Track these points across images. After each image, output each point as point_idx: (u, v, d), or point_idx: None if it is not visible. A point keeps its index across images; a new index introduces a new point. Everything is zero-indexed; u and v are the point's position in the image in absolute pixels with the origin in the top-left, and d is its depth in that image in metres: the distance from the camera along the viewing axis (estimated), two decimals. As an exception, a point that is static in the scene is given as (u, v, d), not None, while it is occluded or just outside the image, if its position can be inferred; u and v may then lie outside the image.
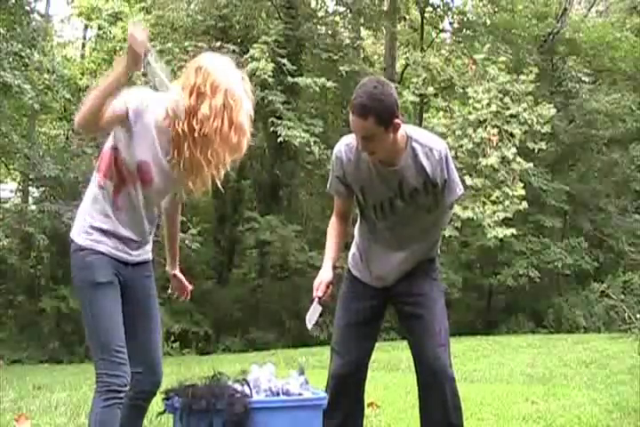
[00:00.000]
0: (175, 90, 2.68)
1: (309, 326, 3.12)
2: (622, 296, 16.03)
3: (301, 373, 3.01)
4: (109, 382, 2.66)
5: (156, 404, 3.06)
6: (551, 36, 19.66)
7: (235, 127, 2.74)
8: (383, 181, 3.01)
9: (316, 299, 3.08)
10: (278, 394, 2.88)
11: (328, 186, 3.19)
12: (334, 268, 3.16)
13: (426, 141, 2.97)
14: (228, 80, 2.72)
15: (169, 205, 3.08)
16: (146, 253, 2.96)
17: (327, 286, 3.12)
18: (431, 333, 3.08)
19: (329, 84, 16.01)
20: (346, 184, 3.11)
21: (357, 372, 3.27)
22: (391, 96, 2.84)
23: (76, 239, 2.77)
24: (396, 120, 2.83)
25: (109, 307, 2.73)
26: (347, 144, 3.07)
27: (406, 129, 2.96)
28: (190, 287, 3.33)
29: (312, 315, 3.10)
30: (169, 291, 3.35)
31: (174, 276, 3.31)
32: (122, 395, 2.67)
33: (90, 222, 2.77)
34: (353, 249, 3.38)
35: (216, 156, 2.81)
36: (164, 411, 2.92)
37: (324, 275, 3.12)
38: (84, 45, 21.12)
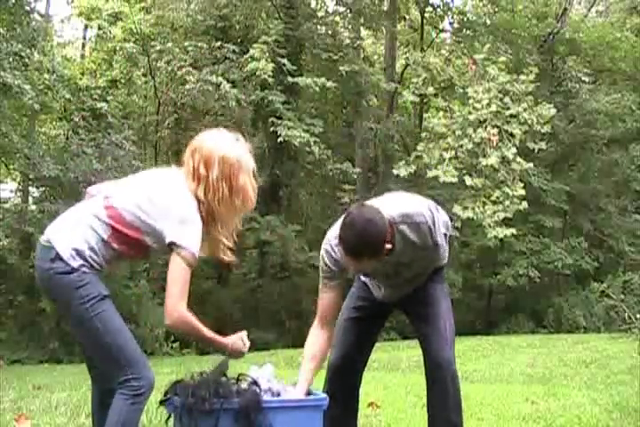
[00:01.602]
0: None
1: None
2: (622, 296, 16.03)
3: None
4: (137, 385, 2.66)
5: (155, 404, 3.05)
6: (551, 36, 19.66)
7: (235, 192, 2.78)
8: (381, 268, 3.04)
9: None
10: (279, 395, 2.88)
11: (322, 281, 3.11)
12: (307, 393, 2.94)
13: (409, 218, 2.95)
14: (219, 148, 2.79)
15: None
16: None
17: None
18: (437, 329, 3.13)
19: (329, 84, 16.02)
20: (338, 275, 3.08)
21: (352, 365, 3.33)
22: (380, 233, 2.78)
23: (71, 262, 2.66)
24: (387, 245, 2.82)
25: (119, 319, 2.75)
26: (334, 252, 3.02)
27: (388, 213, 2.90)
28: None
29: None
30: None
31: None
32: (146, 397, 2.70)
33: (89, 254, 2.71)
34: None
35: (226, 225, 2.86)
36: (169, 416, 2.91)
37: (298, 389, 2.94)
38: (83, 45, 21.13)
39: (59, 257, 2.65)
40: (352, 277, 3.38)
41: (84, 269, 2.67)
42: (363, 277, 3.33)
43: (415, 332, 3.33)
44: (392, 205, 3.03)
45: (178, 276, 2.68)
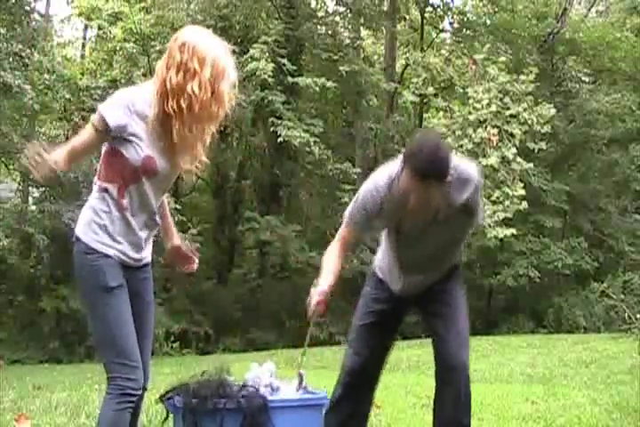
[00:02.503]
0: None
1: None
2: (622, 296, 16.01)
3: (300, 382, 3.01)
4: (124, 385, 2.62)
5: (155, 404, 3.05)
6: (551, 36, 19.66)
7: (216, 97, 2.76)
8: (419, 214, 2.97)
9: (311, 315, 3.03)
10: (278, 389, 2.88)
11: (349, 216, 3.16)
12: (331, 287, 3.08)
13: (462, 169, 2.95)
14: (214, 52, 2.79)
15: None
16: (147, 255, 2.87)
17: (322, 305, 3.08)
18: (454, 331, 3.11)
19: (329, 84, 16.02)
20: (371, 219, 3.09)
21: (372, 370, 3.31)
22: (449, 156, 2.82)
23: (84, 238, 2.70)
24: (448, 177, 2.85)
25: (124, 312, 2.68)
26: (385, 183, 3.01)
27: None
28: (195, 256, 3.03)
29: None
30: (176, 268, 3.06)
31: (177, 250, 3.02)
32: (134, 399, 2.63)
33: (97, 221, 2.70)
34: (380, 254, 3.37)
35: (201, 129, 2.78)
36: (167, 417, 2.91)
37: (321, 292, 3.06)
38: (83, 45, 21.13)
39: (76, 237, 2.72)
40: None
41: (99, 248, 2.67)
42: (392, 241, 3.19)
43: (429, 330, 3.30)
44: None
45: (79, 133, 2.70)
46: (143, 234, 2.79)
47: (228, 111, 2.86)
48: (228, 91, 2.80)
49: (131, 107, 2.68)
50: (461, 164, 2.97)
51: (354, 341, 3.30)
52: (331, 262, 3.15)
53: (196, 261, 3.03)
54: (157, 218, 2.86)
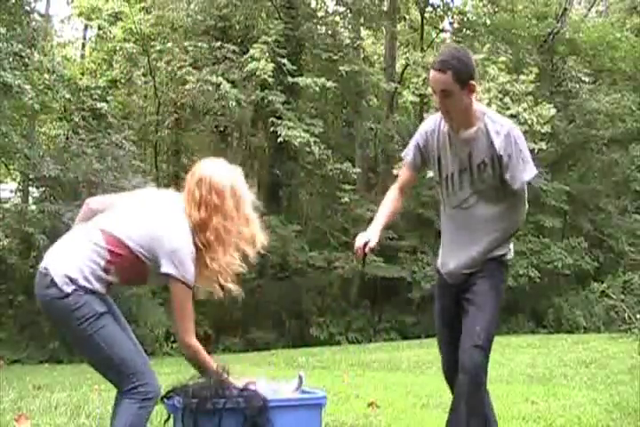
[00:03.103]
0: None
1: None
2: (622, 296, 16.03)
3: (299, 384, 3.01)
4: (145, 391, 2.78)
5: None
6: (551, 36, 19.66)
7: (243, 222, 2.98)
8: (455, 150, 3.13)
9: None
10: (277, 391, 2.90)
11: (404, 153, 3.37)
12: (379, 232, 3.16)
13: (498, 119, 3.10)
14: (230, 180, 2.89)
15: None
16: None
17: (364, 250, 3.13)
18: (471, 331, 3.08)
19: (329, 84, 16.02)
20: (421, 152, 3.26)
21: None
22: (469, 59, 3.03)
23: (65, 288, 2.73)
24: (472, 82, 3.00)
25: (119, 332, 2.83)
26: (434, 118, 3.25)
27: (481, 106, 3.15)
28: None
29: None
30: None
31: None
32: (154, 402, 2.80)
33: (83, 284, 2.76)
34: (440, 247, 3.42)
35: (237, 249, 3.01)
36: (169, 418, 2.91)
37: (368, 236, 3.12)
38: (83, 45, 21.12)
39: (54, 284, 2.73)
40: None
41: (78, 293, 2.73)
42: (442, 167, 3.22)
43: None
44: (487, 108, 3.25)
45: (181, 308, 2.90)
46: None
47: (259, 230, 3.12)
48: (251, 212, 3.02)
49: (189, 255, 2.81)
50: (500, 116, 3.15)
51: (438, 342, 3.39)
52: (384, 206, 3.30)
53: None
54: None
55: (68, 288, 2.72)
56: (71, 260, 2.77)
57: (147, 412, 2.79)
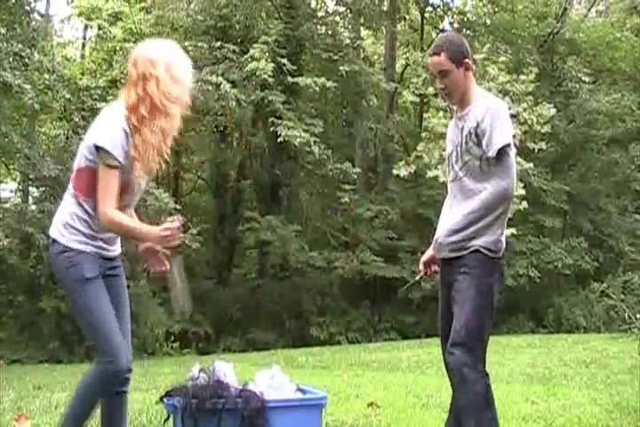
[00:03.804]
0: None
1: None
2: (622, 296, 16.03)
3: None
4: (108, 368, 2.86)
5: (154, 404, 3.05)
6: (551, 36, 19.66)
7: (176, 82, 3.13)
8: (455, 128, 3.35)
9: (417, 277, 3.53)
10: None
11: None
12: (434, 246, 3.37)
13: (490, 98, 3.33)
14: (160, 50, 3.07)
15: None
16: (118, 248, 3.14)
17: (425, 267, 3.49)
18: (452, 330, 3.11)
19: (329, 84, 16.02)
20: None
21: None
22: (460, 40, 3.32)
23: (61, 239, 2.94)
24: (467, 60, 3.25)
25: (101, 298, 2.91)
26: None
27: (481, 90, 3.40)
28: (166, 255, 3.20)
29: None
30: (146, 268, 3.29)
31: (147, 249, 3.18)
32: (114, 380, 2.90)
33: (73, 224, 2.94)
34: None
35: (162, 130, 3.05)
36: (168, 417, 2.91)
37: (425, 254, 3.49)
38: (83, 45, 21.13)
39: (53, 239, 2.97)
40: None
41: (75, 246, 2.91)
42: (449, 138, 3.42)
43: None
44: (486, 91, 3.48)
45: (103, 188, 2.89)
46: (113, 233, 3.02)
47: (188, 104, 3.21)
48: (183, 75, 3.16)
49: (123, 139, 2.92)
50: (490, 96, 3.37)
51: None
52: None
53: (167, 263, 3.20)
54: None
55: (64, 239, 2.92)
56: (58, 213, 3.00)
57: (103, 387, 2.89)
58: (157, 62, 3.00)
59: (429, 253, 3.45)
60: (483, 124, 3.15)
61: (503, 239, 3.27)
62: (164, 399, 2.93)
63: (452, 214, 3.28)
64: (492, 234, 3.18)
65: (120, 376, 2.88)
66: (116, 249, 3.11)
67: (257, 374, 3.08)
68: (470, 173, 3.22)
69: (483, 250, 3.16)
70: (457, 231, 3.19)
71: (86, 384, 2.92)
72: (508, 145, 3.15)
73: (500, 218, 3.19)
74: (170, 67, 3.05)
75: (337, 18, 19.88)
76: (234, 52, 16.09)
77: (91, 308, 2.88)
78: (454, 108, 3.39)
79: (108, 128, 2.92)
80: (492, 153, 3.13)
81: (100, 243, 2.99)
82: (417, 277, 3.49)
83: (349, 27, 19.80)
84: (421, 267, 3.50)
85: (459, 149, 3.27)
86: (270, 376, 2.99)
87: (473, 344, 3.06)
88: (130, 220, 2.96)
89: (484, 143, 3.15)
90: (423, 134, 16.98)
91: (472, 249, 3.16)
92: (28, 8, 13.75)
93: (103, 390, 2.93)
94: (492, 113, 3.16)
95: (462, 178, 3.25)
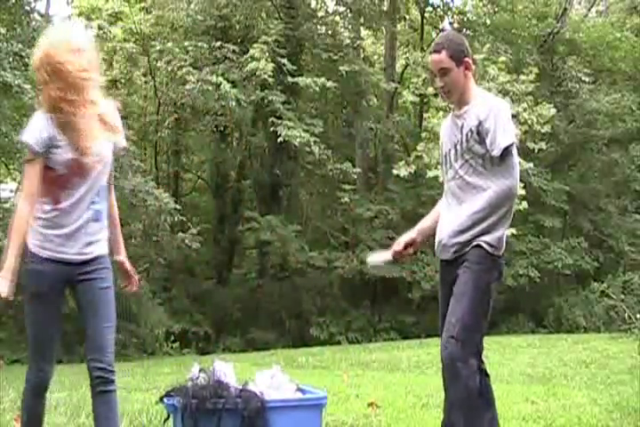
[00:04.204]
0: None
1: (368, 262, 3.46)
2: (622, 296, 16.03)
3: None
4: (27, 376, 3.19)
5: (154, 404, 3.05)
6: (551, 36, 19.65)
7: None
8: (453, 126, 3.31)
9: (392, 251, 3.42)
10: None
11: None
12: (418, 233, 3.45)
13: (490, 98, 3.34)
14: (50, 36, 3.01)
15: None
16: (95, 249, 3.06)
17: (404, 246, 3.42)
18: (447, 324, 3.10)
19: (329, 84, 16.01)
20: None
21: None
22: (461, 39, 3.34)
23: (28, 245, 2.99)
24: (467, 59, 3.25)
25: (38, 313, 3.05)
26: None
27: (481, 89, 3.41)
28: (136, 278, 3.28)
29: (378, 256, 3.42)
30: (121, 285, 3.30)
31: (121, 265, 3.24)
32: (29, 388, 3.20)
33: (35, 228, 2.98)
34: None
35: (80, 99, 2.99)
36: (168, 417, 2.91)
37: (405, 235, 3.46)
38: (84, 45, 21.10)
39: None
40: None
41: (34, 249, 2.97)
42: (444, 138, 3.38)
43: None
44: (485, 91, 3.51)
45: (23, 172, 3.00)
46: (81, 227, 3.00)
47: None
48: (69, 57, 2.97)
49: (42, 129, 2.94)
50: (490, 95, 3.38)
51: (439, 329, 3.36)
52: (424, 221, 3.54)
53: (137, 283, 3.27)
54: (96, 212, 3.04)
55: (31, 244, 2.99)
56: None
57: (26, 390, 3.16)
58: (45, 50, 2.96)
59: (411, 235, 3.44)
60: (486, 124, 3.14)
61: (505, 238, 3.25)
62: (164, 399, 2.93)
63: (453, 214, 3.24)
64: (495, 232, 3.18)
65: (33, 385, 3.14)
66: (90, 252, 3.03)
67: (257, 374, 3.09)
68: (472, 172, 3.20)
69: (485, 245, 3.15)
70: (462, 232, 3.17)
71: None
72: (512, 144, 3.15)
73: (504, 217, 3.19)
74: (52, 49, 2.96)
75: (337, 18, 19.88)
76: (234, 52, 16.09)
77: (31, 322, 3.07)
78: (452, 106, 3.39)
79: (30, 124, 3.01)
80: (496, 152, 3.12)
81: (59, 244, 2.98)
82: (389, 257, 3.41)
83: (349, 27, 19.79)
84: (398, 247, 3.41)
85: (459, 147, 3.24)
86: (270, 376, 2.99)
87: (467, 339, 3.04)
88: (21, 229, 2.94)
89: (487, 142, 3.14)
90: (423, 134, 16.99)
91: (474, 244, 3.14)
92: (28, 8, 13.74)
93: (25, 392, 3.14)
94: (494, 112, 3.15)
95: (463, 176, 3.22)
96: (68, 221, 2.96)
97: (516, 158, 3.20)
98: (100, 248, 3.06)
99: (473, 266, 3.13)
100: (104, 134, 3.07)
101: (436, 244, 3.31)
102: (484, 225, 3.14)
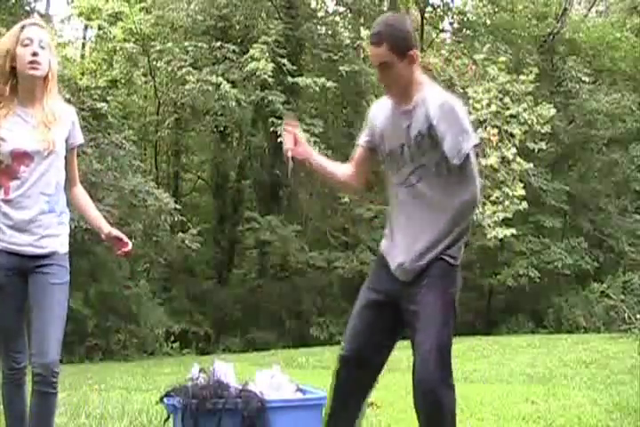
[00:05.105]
0: None
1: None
2: (622, 296, 16.02)
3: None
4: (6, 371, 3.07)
5: (154, 405, 3.06)
6: (551, 36, 19.65)
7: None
8: (397, 124, 2.95)
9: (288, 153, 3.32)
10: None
11: (358, 142, 3.21)
12: (321, 164, 3.31)
13: (440, 92, 2.95)
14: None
15: (67, 177, 3.18)
16: (49, 244, 3.04)
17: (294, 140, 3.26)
18: (420, 349, 2.92)
19: (329, 84, 16.02)
20: (371, 136, 3.10)
21: (363, 361, 3.10)
22: (404, 25, 2.91)
23: None
24: (411, 51, 2.87)
25: (3, 311, 3.00)
26: (383, 99, 3.12)
27: (424, 78, 2.99)
28: (127, 240, 3.23)
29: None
30: (117, 252, 3.27)
31: (109, 235, 3.21)
32: (15, 374, 3.06)
33: None
34: (386, 230, 3.12)
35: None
36: (168, 417, 2.91)
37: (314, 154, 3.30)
38: (83, 45, 21.14)
39: None
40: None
41: None
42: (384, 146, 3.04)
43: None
44: (433, 83, 3.07)
45: None
46: (33, 219, 2.99)
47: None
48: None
49: None
50: (441, 89, 3.00)
51: (348, 324, 3.12)
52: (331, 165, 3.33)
53: (129, 242, 3.22)
54: (49, 203, 3.03)
55: None
56: None
57: (3, 385, 3.06)
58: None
59: (316, 158, 3.33)
60: (440, 126, 2.80)
61: (462, 247, 3.01)
62: (165, 399, 2.93)
63: (411, 237, 2.90)
64: (457, 243, 2.93)
65: (5, 376, 3.05)
66: (46, 246, 3.01)
67: (257, 374, 3.08)
68: (425, 180, 2.88)
69: (447, 258, 2.89)
70: (426, 253, 2.87)
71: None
72: (474, 146, 2.87)
73: (466, 227, 2.94)
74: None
75: (337, 18, 19.88)
76: (234, 52, 16.09)
77: None
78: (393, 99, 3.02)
79: None
80: (457, 161, 2.79)
81: (12, 236, 2.96)
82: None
83: (349, 27, 19.79)
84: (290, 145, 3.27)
85: (406, 150, 2.90)
86: (270, 376, 2.99)
87: (446, 362, 2.90)
88: None
89: (445, 148, 2.80)
90: (423, 134, 16.96)
91: (436, 257, 2.88)
92: (28, 8, 13.77)
93: (3, 387, 3.07)
94: (446, 111, 2.81)
95: (415, 185, 2.90)
96: (17, 213, 2.95)
97: (474, 161, 2.87)
98: (58, 244, 3.05)
99: (437, 281, 2.87)
100: (53, 126, 3.03)
101: (394, 265, 2.94)
102: (447, 242, 2.88)
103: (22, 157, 2.95)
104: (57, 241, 3.04)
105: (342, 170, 3.22)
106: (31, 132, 2.97)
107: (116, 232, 3.20)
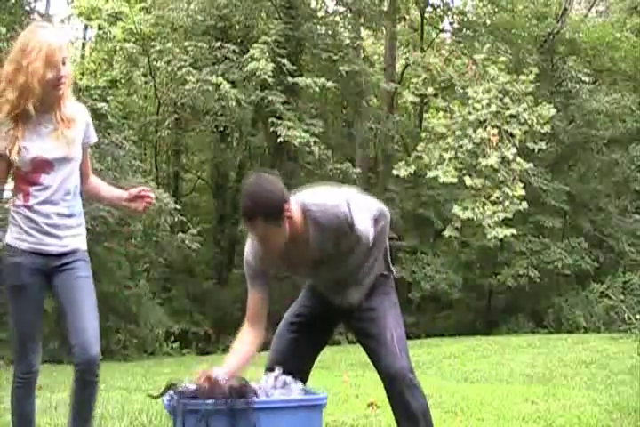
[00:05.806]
0: None
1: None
2: (622, 296, 16.04)
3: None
4: (15, 370, 3.11)
5: (154, 405, 3.06)
6: (551, 36, 19.65)
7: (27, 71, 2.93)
8: (299, 254, 3.03)
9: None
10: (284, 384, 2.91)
11: (248, 286, 3.37)
12: (232, 376, 2.89)
13: (324, 208, 2.91)
14: (22, 37, 2.97)
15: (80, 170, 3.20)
16: (71, 242, 3.11)
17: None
18: (382, 342, 3.04)
19: (329, 84, 16.01)
20: (263, 275, 3.28)
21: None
22: (271, 192, 2.82)
23: (5, 238, 3.05)
24: (286, 211, 2.81)
25: (25, 310, 3.05)
26: (250, 246, 3.21)
27: (302, 200, 2.94)
28: (151, 191, 3.30)
29: None
30: (137, 209, 3.32)
31: (131, 195, 3.28)
32: (19, 382, 3.09)
33: (12, 222, 3.04)
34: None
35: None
36: (169, 417, 2.91)
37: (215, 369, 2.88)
38: (83, 45, 21.14)
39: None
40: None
41: (15, 242, 3.01)
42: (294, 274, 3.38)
43: (364, 349, 3.24)
44: (308, 193, 3.05)
45: None
46: (56, 222, 3.04)
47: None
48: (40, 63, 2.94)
49: None
50: (320, 200, 2.95)
51: (273, 342, 3.45)
52: (239, 343, 3.25)
53: (150, 193, 3.27)
54: (69, 208, 3.08)
55: (6, 237, 3.05)
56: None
57: (16, 389, 3.08)
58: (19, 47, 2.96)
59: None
60: (347, 233, 2.94)
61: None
62: (163, 398, 2.93)
63: (342, 287, 3.16)
64: (377, 263, 3.17)
65: (21, 379, 3.07)
66: (68, 244, 3.08)
67: (264, 375, 3.09)
68: (340, 267, 3.13)
69: (385, 272, 3.23)
70: (364, 288, 3.14)
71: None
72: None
73: (381, 248, 3.16)
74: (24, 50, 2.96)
75: (337, 18, 19.87)
76: (234, 52, 16.08)
77: (13, 316, 3.07)
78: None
79: None
80: (365, 240, 3.00)
81: (38, 238, 3.01)
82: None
83: (349, 27, 19.78)
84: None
85: (320, 261, 3.09)
86: (274, 376, 3.00)
87: (405, 351, 3.05)
88: None
89: (361, 243, 3.00)
90: (423, 134, 17.02)
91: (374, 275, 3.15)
92: (28, 8, 13.74)
93: (14, 390, 3.10)
94: (347, 223, 2.90)
95: (335, 272, 3.17)
96: (40, 218, 3.01)
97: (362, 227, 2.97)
98: (79, 242, 3.13)
99: (380, 287, 3.17)
100: (70, 132, 3.05)
101: (337, 302, 3.23)
102: (375, 269, 3.16)
103: (43, 164, 2.99)
104: (78, 239, 3.14)
105: (251, 344, 3.40)
106: (52, 140, 3.01)
107: (134, 190, 3.29)
